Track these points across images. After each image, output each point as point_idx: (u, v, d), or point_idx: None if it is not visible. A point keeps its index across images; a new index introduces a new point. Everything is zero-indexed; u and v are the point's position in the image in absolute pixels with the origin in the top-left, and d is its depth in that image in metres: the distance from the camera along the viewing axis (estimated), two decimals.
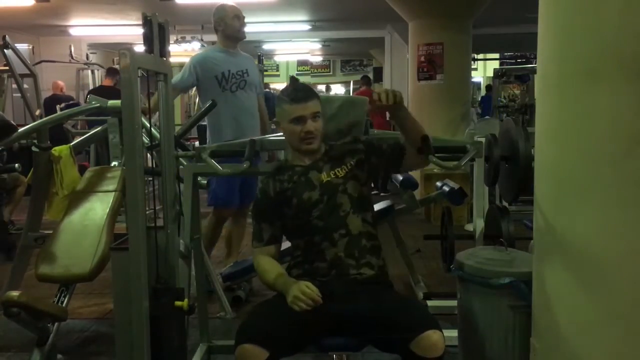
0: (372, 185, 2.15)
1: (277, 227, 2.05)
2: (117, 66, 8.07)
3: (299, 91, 2.03)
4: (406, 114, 1.97)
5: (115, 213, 2.76)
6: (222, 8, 3.67)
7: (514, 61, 12.97)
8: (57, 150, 3.07)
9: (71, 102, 7.67)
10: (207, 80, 3.55)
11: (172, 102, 2.25)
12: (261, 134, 3.85)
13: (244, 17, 3.70)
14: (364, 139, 2.20)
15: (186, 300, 2.04)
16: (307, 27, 9.69)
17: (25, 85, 6.43)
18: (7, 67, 6.25)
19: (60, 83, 8.42)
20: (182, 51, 9.02)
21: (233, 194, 3.64)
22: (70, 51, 8.91)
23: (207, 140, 3.73)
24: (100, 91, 7.36)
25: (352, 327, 1.83)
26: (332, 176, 2.03)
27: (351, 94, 14.71)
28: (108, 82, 7.47)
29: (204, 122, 3.75)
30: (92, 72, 9.97)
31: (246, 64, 3.69)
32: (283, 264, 2.09)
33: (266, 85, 8.42)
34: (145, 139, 2.42)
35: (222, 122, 3.56)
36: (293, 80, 2.22)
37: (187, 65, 3.59)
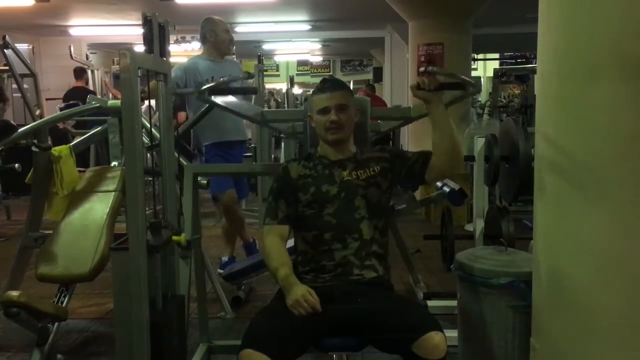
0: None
1: (292, 209, 2.06)
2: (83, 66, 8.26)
3: (326, 83, 2.13)
4: (444, 111, 2.03)
5: (115, 213, 2.75)
6: (212, 20, 3.78)
7: (514, 61, 12.95)
8: (57, 150, 3.07)
9: (71, 102, 7.68)
10: (191, 87, 3.61)
11: (171, 102, 2.25)
12: None
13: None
14: (390, 149, 2.24)
15: (183, 235, 2.12)
16: (307, 27, 9.68)
17: (25, 85, 6.42)
18: (7, 67, 6.26)
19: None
20: (182, 51, 9.01)
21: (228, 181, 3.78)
22: (70, 51, 8.88)
23: (191, 143, 3.79)
24: (74, 92, 7.54)
25: (353, 328, 1.83)
26: (353, 176, 2.06)
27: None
28: (79, 84, 7.64)
29: None
30: (92, 72, 9.95)
31: (230, 69, 3.78)
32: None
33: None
34: (145, 139, 2.42)
35: (205, 126, 3.61)
36: (329, 76, 2.31)
37: (178, 67, 3.68)
